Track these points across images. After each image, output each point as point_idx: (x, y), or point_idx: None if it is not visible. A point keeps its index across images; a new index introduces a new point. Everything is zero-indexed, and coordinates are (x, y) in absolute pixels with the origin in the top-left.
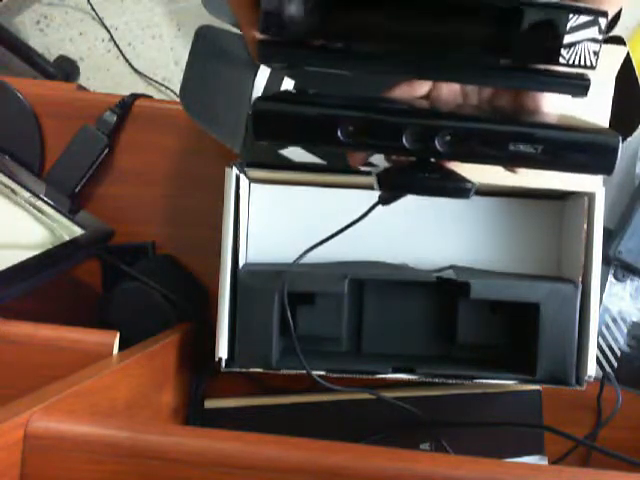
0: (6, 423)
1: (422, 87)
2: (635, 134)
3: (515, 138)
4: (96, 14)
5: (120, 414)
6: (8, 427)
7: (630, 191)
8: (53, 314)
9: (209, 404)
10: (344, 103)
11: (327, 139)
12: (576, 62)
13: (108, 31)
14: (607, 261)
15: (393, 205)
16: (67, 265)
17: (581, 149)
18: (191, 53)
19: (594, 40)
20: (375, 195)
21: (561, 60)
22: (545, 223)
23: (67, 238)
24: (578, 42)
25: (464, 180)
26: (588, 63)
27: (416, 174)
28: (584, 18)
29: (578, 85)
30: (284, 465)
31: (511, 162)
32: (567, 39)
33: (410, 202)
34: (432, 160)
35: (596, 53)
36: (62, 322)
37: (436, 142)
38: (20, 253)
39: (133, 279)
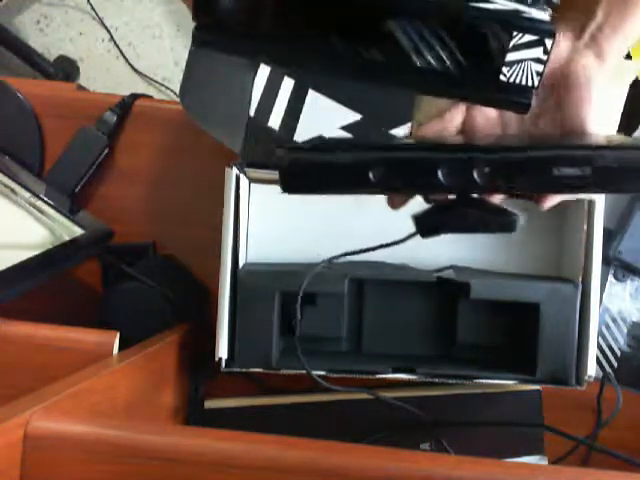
0: (6, 423)
1: (454, 120)
2: (635, 134)
3: (556, 161)
4: (96, 14)
5: (120, 414)
6: (8, 427)
7: None
8: (53, 314)
9: (209, 404)
10: (374, 146)
11: (359, 184)
12: (517, 81)
13: (108, 31)
14: (607, 261)
15: None
16: (67, 265)
17: (631, 168)
18: (191, 53)
19: (538, 60)
20: (376, 196)
21: (501, 77)
22: (545, 223)
23: (67, 238)
24: (521, 61)
25: (508, 213)
26: (529, 83)
27: (455, 213)
28: (528, 37)
29: (520, 103)
30: (284, 465)
31: (559, 188)
32: (509, 57)
33: (411, 202)
34: (474, 196)
35: (539, 73)
36: (62, 322)
37: (474, 174)
38: (20, 253)
39: (133, 279)
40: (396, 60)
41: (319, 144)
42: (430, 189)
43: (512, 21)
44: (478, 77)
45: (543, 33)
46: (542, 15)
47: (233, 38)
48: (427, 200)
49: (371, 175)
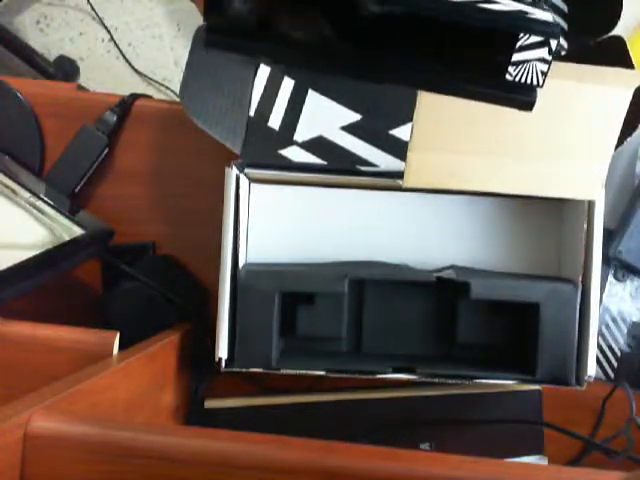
0: (6, 423)
1: None
2: (635, 134)
3: None
4: (96, 14)
5: (120, 414)
6: (8, 427)
7: (630, 191)
8: (53, 314)
9: (209, 404)
10: None
11: None
12: (522, 80)
13: (108, 31)
14: (607, 261)
15: (393, 205)
16: (67, 265)
17: None
18: (191, 53)
19: (543, 60)
20: (376, 196)
21: (507, 77)
22: (545, 223)
23: (67, 238)
24: (526, 61)
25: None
26: (535, 82)
27: None
28: (535, 38)
29: (524, 102)
30: (284, 465)
31: None
32: (515, 57)
33: (411, 202)
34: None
35: (544, 73)
36: (62, 322)
37: None
38: (20, 253)
39: (133, 279)
40: (405, 59)
41: None
42: None
43: (519, 22)
44: (484, 76)
45: (548, 34)
46: (546, 16)
47: (241, 39)
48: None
49: None
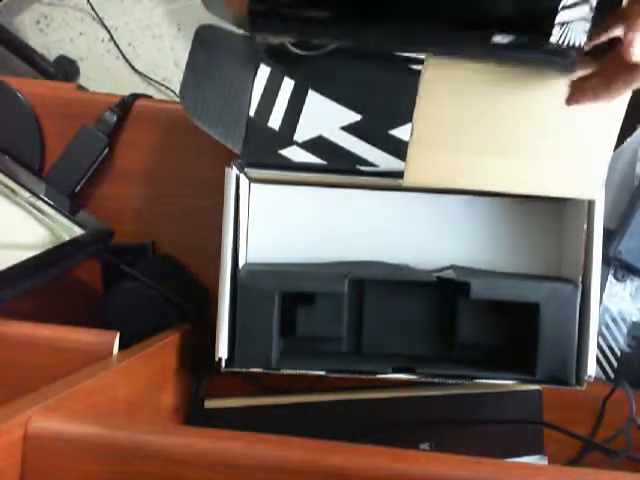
0: (6, 423)
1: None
2: (635, 134)
3: None
4: (96, 14)
5: (120, 414)
6: (8, 427)
7: (630, 191)
8: (53, 314)
9: (209, 404)
10: None
11: None
12: (566, 41)
13: (108, 31)
14: (607, 261)
15: (393, 205)
16: (67, 265)
17: None
18: (191, 53)
19: (584, 19)
20: (376, 196)
21: (552, 39)
22: (545, 223)
23: (67, 238)
24: (569, 21)
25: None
26: (577, 43)
27: None
28: None
29: (567, 63)
30: (284, 465)
31: None
32: (559, 18)
33: (411, 202)
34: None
35: (586, 32)
36: (62, 322)
37: None
38: (20, 253)
39: (133, 279)
40: (439, 26)
41: None
42: None
43: None
44: (528, 40)
45: None
46: None
47: (285, 23)
48: None
49: None
